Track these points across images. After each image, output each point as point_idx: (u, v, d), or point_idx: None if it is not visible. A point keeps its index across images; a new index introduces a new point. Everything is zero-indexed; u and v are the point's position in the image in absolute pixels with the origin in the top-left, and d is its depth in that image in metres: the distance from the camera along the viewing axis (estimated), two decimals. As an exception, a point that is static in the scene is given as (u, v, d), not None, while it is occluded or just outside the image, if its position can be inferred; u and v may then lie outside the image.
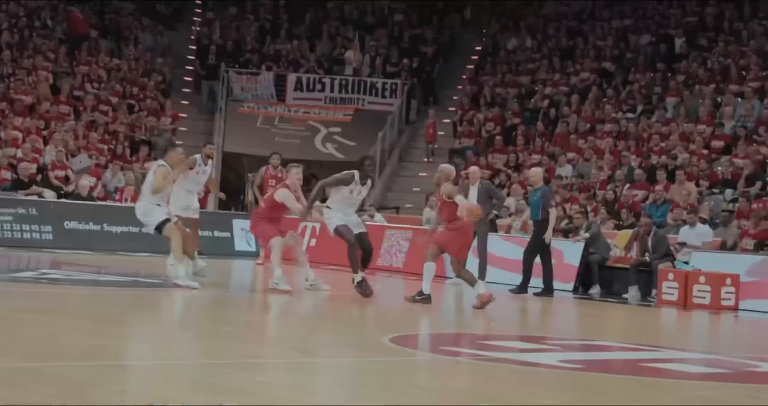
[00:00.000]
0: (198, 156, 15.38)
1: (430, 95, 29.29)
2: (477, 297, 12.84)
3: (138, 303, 11.92)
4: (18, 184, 20.52)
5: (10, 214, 18.89)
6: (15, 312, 9.94)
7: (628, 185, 21.25)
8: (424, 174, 25.25)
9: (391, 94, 27.60)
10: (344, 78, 27.92)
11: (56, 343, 8.16)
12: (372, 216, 21.40)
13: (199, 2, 32.02)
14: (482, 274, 15.83)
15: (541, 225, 16.17)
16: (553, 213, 16.32)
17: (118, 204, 21.02)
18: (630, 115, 24.76)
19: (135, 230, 18.65)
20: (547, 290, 16.23)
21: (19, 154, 21.64)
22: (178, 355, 8.09)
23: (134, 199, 21.44)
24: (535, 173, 16.91)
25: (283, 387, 6.74)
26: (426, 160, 27.05)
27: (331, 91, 27.57)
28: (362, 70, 28.50)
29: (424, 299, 12.93)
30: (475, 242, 14.42)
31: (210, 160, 15.47)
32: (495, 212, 17.10)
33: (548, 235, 16.11)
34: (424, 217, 21.03)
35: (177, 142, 26.42)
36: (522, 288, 16.16)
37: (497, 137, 25.62)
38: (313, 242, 20.82)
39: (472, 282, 12.93)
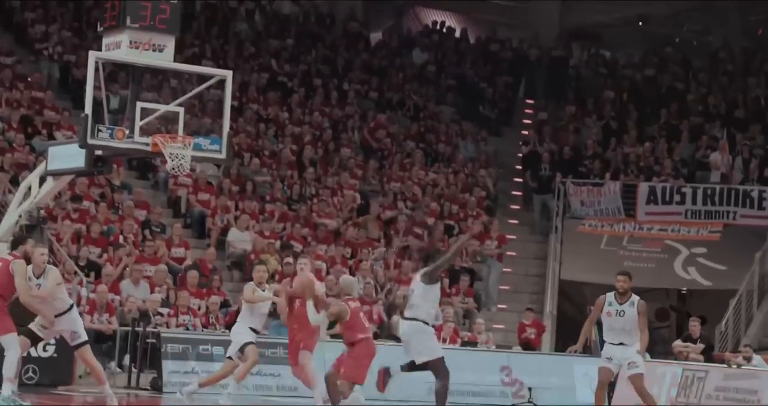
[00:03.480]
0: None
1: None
2: None
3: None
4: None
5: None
6: None
7: None
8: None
9: (771, 205, 26.24)
10: (710, 186, 26.14)
11: None
12: (748, 359, 19.37)
13: (530, 101, 31.13)
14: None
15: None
16: None
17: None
18: None
19: None
20: None
21: (323, 289, 20.02)
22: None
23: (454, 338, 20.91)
24: None
25: None
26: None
27: (694, 203, 25.90)
28: (733, 175, 26.43)
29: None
30: None
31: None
32: None
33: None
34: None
35: (505, 270, 25.90)
36: None
37: None
38: None
39: None
